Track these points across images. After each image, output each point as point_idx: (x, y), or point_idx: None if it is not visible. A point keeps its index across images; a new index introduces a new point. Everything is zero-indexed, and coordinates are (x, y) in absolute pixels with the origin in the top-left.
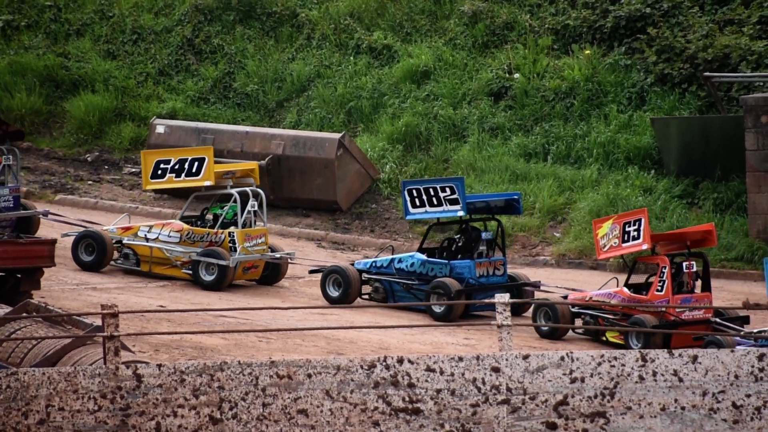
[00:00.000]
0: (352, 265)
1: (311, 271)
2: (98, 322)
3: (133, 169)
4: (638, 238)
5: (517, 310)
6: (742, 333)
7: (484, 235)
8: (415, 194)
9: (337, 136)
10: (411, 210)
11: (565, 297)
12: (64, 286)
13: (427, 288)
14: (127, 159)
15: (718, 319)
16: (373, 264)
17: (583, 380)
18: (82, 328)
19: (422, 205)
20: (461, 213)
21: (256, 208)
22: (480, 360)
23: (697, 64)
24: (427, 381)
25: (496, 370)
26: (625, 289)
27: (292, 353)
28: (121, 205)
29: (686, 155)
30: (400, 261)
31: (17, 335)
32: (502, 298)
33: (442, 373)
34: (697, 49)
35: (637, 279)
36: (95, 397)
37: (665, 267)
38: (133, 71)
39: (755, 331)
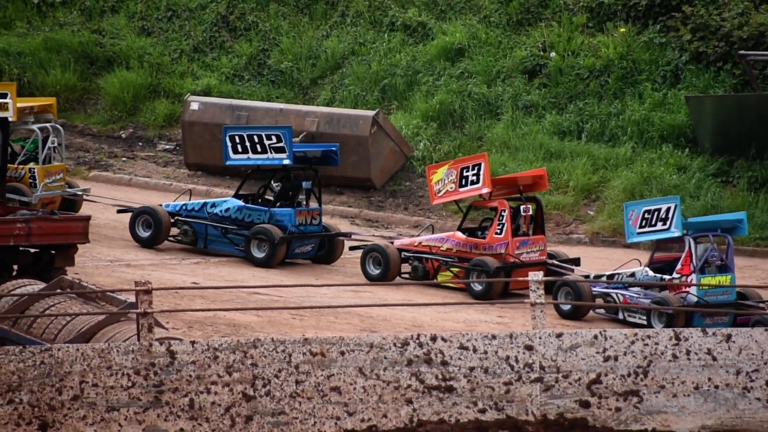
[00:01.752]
0: (161, 206)
1: (119, 211)
2: (132, 298)
3: (168, 146)
4: (477, 182)
5: (327, 259)
6: (592, 276)
7: (305, 184)
8: (237, 140)
9: (371, 113)
10: (231, 155)
11: (392, 242)
12: (98, 263)
13: (248, 233)
14: (161, 136)
15: (555, 261)
16: (184, 207)
17: (616, 359)
18: (116, 304)
19: (245, 151)
20: (287, 161)
21: (56, 144)
22: (513, 338)
23: (732, 42)
24: (460, 359)
25: (529, 348)
26: (459, 233)
27: (325, 331)
28: (155, 181)
29: (721, 133)
30: (213, 205)
31: (51, 311)
32: (536, 276)
33: (475, 351)
34: (732, 27)
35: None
36: (129, 373)
37: (504, 210)
38: (168, 48)
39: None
